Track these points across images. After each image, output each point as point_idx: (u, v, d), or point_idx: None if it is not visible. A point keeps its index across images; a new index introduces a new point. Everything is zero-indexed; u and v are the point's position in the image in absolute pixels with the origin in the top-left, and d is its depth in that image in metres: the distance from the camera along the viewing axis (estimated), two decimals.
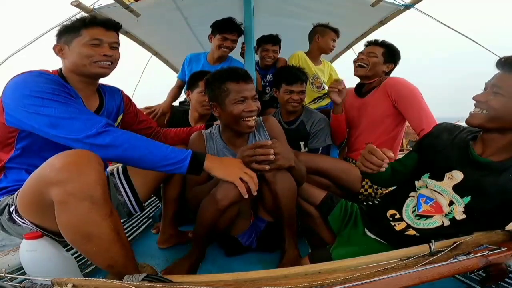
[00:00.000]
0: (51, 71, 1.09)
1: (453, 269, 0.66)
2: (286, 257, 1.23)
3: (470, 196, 0.94)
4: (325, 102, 2.48)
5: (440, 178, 1.01)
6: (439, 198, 1.00)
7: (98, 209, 0.80)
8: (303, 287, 0.69)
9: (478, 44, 2.65)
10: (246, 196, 1.04)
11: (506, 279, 0.92)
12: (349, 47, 3.46)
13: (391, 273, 0.65)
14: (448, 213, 0.97)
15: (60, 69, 1.12)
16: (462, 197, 0.95)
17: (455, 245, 0.78)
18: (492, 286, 0.94)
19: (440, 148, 1.06)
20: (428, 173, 1.05)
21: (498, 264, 0.72)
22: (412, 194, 1.08)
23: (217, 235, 1.31)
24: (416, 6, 2.44)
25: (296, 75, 1.79)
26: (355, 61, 1.74)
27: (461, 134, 1.06)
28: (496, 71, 0.94)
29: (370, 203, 1.27)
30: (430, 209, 1.00)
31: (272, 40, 2.42)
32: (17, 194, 0.92)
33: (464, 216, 0.94)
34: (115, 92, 1.31)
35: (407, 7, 2.47)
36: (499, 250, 0.71)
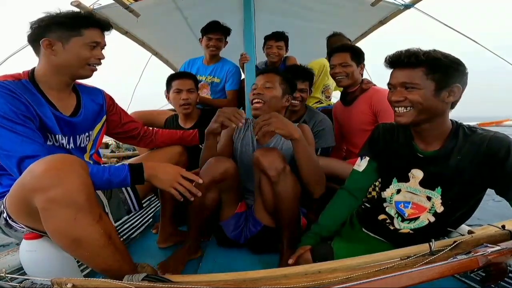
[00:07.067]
0: (22, 72, 1.02)
1: (453, 269, 0.66)
2: (284, 260, 1.20)
3: (439, 187, 0.98)
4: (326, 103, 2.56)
5: (406, 179, 1.05)
6: (415, 198, 1.02)
7: (84, 215, 0.78)
8: (303, 286, 0.69)
9: (478, 43, 2.65)
10: (182, 200, 1.05)
11: (506, 279, 0.92)
12: None
13: (391, 273, 0.64)
14: (431, 207, 1.00)
15: (33, 69, 1.04)
16: (433, 190, 0.99)
17: (455, 244, 0.78)
18: (492, 285, 0.94)
19: (389, 150, 1.09)
20: (395, 177, 1.08)
21: (498, 263, 0.72)
22: (387, 206, 1.09)
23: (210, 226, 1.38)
24: (416, 5, 2.44)
25: (297, 73, 1.78)
26: (333, 75, 1.81)
27: (400, 132, 1.09)
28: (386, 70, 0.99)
29: (366, 204, 1.26)
30: (414, 211, 1.02)
31: (275, 36, 2.38)
32: (5, 200, 0.90)
33: (442, 208, 0.98)
34: (96, 92, 1.25)
35: (407, 6, 2.48)
36: (499, 249, 0.71)
